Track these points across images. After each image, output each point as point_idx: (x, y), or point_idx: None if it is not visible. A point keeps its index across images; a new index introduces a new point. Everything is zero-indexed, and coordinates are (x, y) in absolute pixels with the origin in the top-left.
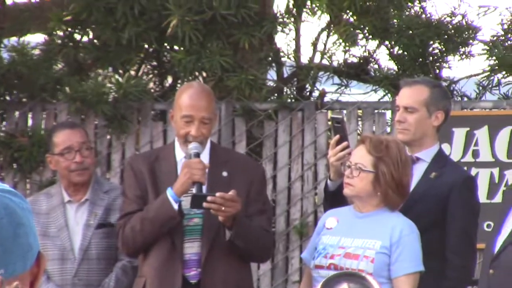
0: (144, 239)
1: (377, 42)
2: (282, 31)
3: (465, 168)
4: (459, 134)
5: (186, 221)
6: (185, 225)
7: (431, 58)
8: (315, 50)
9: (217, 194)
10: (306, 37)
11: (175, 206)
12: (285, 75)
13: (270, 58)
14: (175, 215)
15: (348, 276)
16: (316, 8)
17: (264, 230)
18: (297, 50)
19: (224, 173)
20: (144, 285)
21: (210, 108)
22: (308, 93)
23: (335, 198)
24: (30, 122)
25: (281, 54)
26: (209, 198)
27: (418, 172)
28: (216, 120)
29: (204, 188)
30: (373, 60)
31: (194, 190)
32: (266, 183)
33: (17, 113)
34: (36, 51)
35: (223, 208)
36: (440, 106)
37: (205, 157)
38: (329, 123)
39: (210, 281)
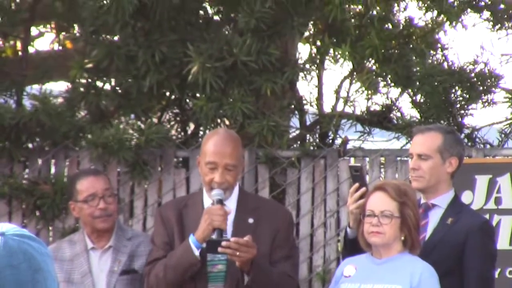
0: (167, 286)
1: (399, 89)
2: (304, 78)
3: (488, 215)
4: (482, 181)
5: (210, 267)
6: (209, 271)
7: (453, 105)
8: (337, 98)
9: (232, 239)
10: (329, 85)
11: (196, 253)
12: (308, 122)
13: (292, 106)
14: (196, 262)
15: None
16: (339, 56)
17: (287, 276)
18: (319, 98)
19: (250, 220)
20: None
21: (234, 155)
22: (330, 141)
23: (354, 246)
24: (53, 169)
25: (304, 101)
26: (223, 243)
27: (434, 218)
28: (243, 166)
29: (228, 234)
30: (395, 107)
31: (214, 237)
32: (293, 229)
33: (39, 161)
34: (59, 99)
35: (237, 253)
36: (453, 152)
37: (232, 203)
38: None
39: None
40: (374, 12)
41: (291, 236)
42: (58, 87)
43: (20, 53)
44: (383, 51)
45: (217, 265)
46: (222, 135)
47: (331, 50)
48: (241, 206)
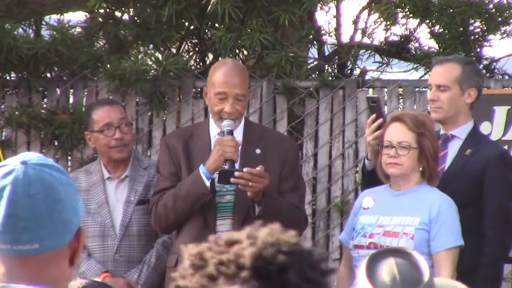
0: (176, 216)
1: (417, 20)
2: (322, 8)
3: (506, 146)
4: (500, 112)
5: (218, 198)
6: (218, 202)
7: (472, 37)
8: (355, 29)
9: (245, 169)
10: (347, 16)
11: (207, 183)
12: (326, 53)
13: (311, 36)
14: (207, 192)
15: (394, 252)
16: None
17: (295, 207)
18: (337, 28)
19: (258, 151)
20: (176, 262)
21: (243, 85)
22: (349, 71)
23: (373, 177)
24: (71, 99)
25: (322, 32)
26: (236, 173)
27: (453, 149)
28: (251, 96)
29: (236, 165)
30: (414, 38)
31: (226, 167)
32: (300, 160)
33: (58, 91)
34: (77, 29)
35: (250, 184)
36: (472, 83)
37: (239, 134)
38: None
39: None
40: None
41: (298, 167)
42: (76, 17)
43: None
44: None
45: (226, 196)
46: (230, 66)
47: None
48: (247, 137)
